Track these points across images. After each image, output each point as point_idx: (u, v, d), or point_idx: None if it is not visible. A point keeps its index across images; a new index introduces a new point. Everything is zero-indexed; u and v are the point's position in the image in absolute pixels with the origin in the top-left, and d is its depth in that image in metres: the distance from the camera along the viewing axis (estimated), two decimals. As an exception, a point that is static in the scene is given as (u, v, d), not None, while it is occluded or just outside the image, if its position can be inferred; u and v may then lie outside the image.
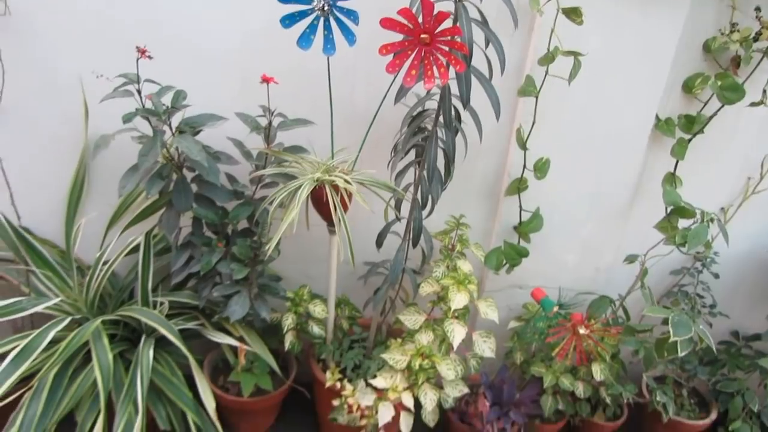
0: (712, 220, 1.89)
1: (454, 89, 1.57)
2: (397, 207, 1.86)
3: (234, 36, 1.82)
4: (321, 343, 2.07)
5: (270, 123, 1.77)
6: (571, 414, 2.28)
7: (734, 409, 2.30)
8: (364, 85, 1.90)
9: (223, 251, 1.84)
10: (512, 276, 2.19)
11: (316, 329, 2.03)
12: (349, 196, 1.71)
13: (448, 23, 1.40)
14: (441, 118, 1.62)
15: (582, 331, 1.88)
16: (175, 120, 1.67)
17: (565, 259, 2.25)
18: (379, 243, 1.92)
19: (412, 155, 1.82)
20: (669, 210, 2.01)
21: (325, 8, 1.44)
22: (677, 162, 2.06)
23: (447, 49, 1.40)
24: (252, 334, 2.01)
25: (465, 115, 1.67)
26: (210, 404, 1.81)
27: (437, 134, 1.69)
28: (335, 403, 1.91)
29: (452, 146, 1.71)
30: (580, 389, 2.16)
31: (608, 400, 2.23)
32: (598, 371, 2.08)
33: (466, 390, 1.96)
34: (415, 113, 1.73)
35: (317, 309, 2.01)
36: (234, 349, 2.01)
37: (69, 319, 1.76)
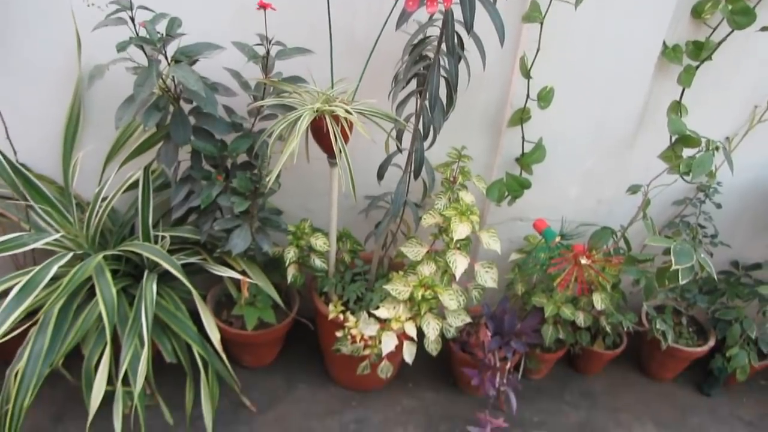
0: (717, 148, 1.86)
1: (458, 15, 1.52)
2: (399, 138, 1.83)
3: (228, -39, 1.75)
4: (323, 276, 2.08)
5: (268, 52, 1.72)
6: (571, 343, 2.31)
7: (732, 336, 2.33)
8: (364, 11, 1.83)
9: (223, 185, 1.83)
10: (514, 208, 2.18)
11: (318, 262, 2.03)
12: (350, 126, 1.68)
13: (451, -58, 1.34)
14: (443, 45, 1.58)
15: (583, 261, 1.89)
16: (171, 49, 1.62)
17: (568, 191, 2.24)
18: (380, 175, 1.90)
19: (413, 85, 1.77)
20: (674, 139, 1.98)
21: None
22: (683, 90, 2.02)
23: (450, -30, 1.35)
24: (254, 268, 2.02)
25: (468, 42, 1.63)
26: (215, 336, 1.83)
27: (439, 62, 1.65)
28: (338, 334, 1.93)
29: (455, 74, 1.67)
30: (581, 319, 2.18)
31: (608, 329, 2.26)
32: (598, 301, 2.10)
33: (468, 319, 1.98)
34: (416, 41, 1.68)
35: (319, 242, 2.01)
36: (237, 283, 2.03)
37: (71, 254, 1.76)
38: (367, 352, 1.89)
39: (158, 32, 1.58)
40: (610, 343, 2.38)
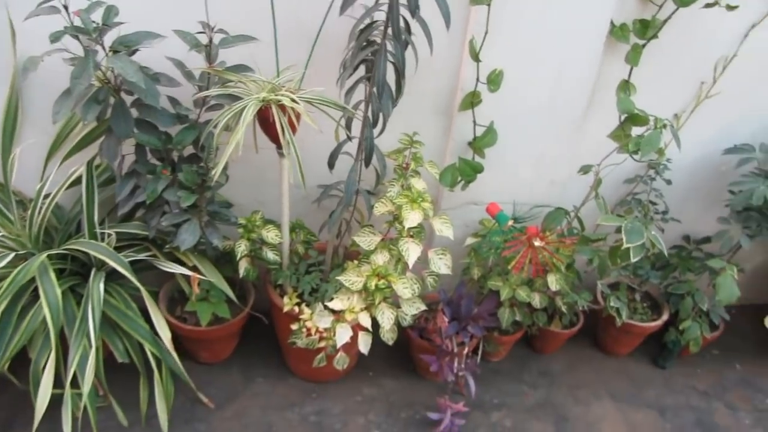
0: (665, 126, 1.88)
1: (402, -2, 1.49)
2: (348, 126, 1.81)
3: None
4: (277, 268, 2.05)
5: (211, 40, 1.67)
6: (528, 324, 2.33)
7: (685, 310, 2.38)
8: (308, -4, 1.80)
9: (170, 178, 1.78)
10: (468, 193, 2.17)
11: (270, 255, 2.00)
12: (297, 116, 1.65)
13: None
14: (389, 30, 1.55)
15: (537, 243, 1.89)
16: (108, 39, 1.56)
17: (521, 174, 2.24)
18: (331, 164, 1.88)
19: (361, 71, 1.74)
20: (623, 118, 1.99)
21: None
22: (631, 69, 2.03)
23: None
24: (205, 263, 1.98)
25: (416, 27, 1.60)
26: (165, 334, 1.79)
27: (386, 47, 1.63)
28: (294, 327, 1.91)
29: (402, 60, 1.65)
30: (537, 300, 2.20)
31: (564, 308, 2.29)
32: (553, 282, 2.12)
33: (423, 307, 1.98)
34: (362, 26, 1.65)
35: (270, 234, 1.98)
36: (188, 279, 1.98)
37: (12, 254, 1.70)
38: (322, 344, 1.87)
39: (94, 21, 1.52)
40: (566, 322, 2.40)
